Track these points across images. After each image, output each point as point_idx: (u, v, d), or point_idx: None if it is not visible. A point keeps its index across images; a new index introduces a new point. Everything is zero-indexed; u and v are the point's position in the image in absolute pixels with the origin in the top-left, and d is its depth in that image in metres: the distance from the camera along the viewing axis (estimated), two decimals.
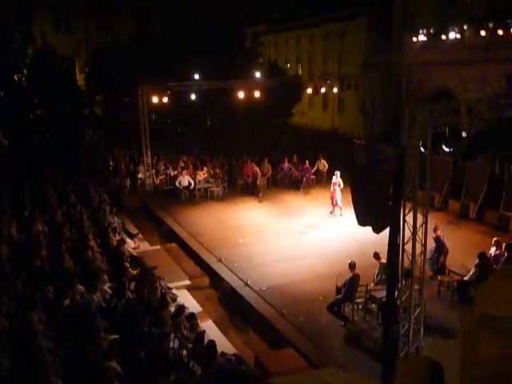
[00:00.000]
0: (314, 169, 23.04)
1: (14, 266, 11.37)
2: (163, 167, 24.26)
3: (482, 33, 23.68)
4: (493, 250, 12.50)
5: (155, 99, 22.61)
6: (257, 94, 24.11)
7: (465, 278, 11.88)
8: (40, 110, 30.42)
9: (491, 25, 23.33)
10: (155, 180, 23.48)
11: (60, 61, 31.37)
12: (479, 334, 1.27)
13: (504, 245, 12.38)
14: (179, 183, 21.43)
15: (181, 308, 10.38)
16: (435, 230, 12.91)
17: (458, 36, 24.96)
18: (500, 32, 23.04)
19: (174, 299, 11.73)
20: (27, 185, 18.91)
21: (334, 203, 18.65)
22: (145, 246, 16.45)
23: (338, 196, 18.51)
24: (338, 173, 18.76)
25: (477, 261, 11.78)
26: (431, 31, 26.22)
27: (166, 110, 27.27)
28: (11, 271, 11.07)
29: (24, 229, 14.17)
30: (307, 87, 35.50)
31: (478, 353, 1.30)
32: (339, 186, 18.46)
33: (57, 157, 23.42)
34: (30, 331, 8.18)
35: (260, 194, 21.40)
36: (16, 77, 30.06)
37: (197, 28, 33.82)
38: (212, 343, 8.83)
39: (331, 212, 18.77)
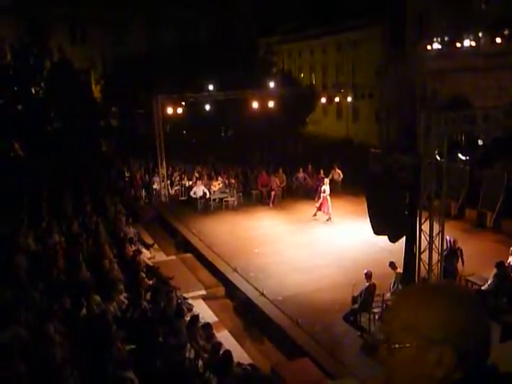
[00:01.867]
0: (329, 178, 22.97)
1: (32, 277, 11.47)
2: (178, 178, 24.38)
3: (498, 40, 23.56)
4: (511, 259, 12.35)
5: (170, 110, 22.76)
6: (271, 103, 24.16)
7: (482, 288, 11.74)
8: (57, 123, 30.79)
9: (506, 32, 23.20)
10: (170, 190, 23.61)
11: (77, 73, 31.78)
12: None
13: None
14: (194, 193, 21.51)
15: (195, 318, 10.39)
16: (454, 243, 12.77)
17: (473, 43, 24.86)
18: None
19: (190, 309, 11.74)
20: (44, 196, 19.12)
21: (324, 210, 19.25)
22: (160, 257, 16.52)
23: (327, 203, 19.13)
24: (327, 180, 19.59)
25: (495, 270, 11.64)
26: (446, 39, 26.14)
27: (181, 121, 27.46)
28: (29, 282, 11.17)
29: (41, 240, 14.30)
30: (321, 97, 35.53)
31: None
32: (324, 192, 19.24)
33: (73, 168, 23.65)
34: (47, 341, 8.23)
35: (271, 204, 21.43)
36: (33, 90, 30.49)
37: (211, 39, 34.08)
38: (228, 353, 8.81)
39: (314, 214, 19.53)
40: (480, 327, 1.20)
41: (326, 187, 19.42)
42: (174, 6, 39.75)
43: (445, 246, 12.51)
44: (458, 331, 1.17)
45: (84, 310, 10.12)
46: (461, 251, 12.76)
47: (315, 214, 19.59)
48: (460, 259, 12.68)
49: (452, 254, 12.59)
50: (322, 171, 22.98)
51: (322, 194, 19.42)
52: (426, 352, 1.18)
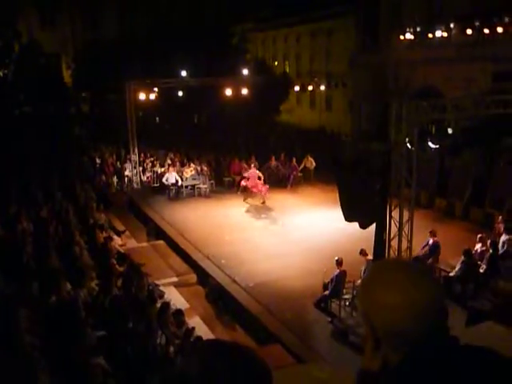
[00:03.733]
0: (301, 166, 23.11)
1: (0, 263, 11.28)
2: (150, 164, 24.17)
3: (469, 31, 23.87)
4: (478, 247, 12.64)
5: (142, 96, 22.49)
6: (244, 91, 24.10)
7: (450, 274, 11.99)
8: (26, 107, 30.16)
9: (477, 23, 23.52)
10: (142, 177, 23.41)
11: (46, 57, 31.13)
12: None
13: (489, 241, 12.53)
14: (166, 180, 21.37)
15: (165, 305, 10.37)
16: (433, 235, 13.01)
17: (445, 34, 25.13)
18: (486, 30, 23.23)
19: (162, 296, 11.71)
20: (13, 182, 18.75)
21: (261, 191, 20.06)
22: (132, 243, 16.41)
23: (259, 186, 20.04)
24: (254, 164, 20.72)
25: (462, 258, 11.90)
26: (418, 29, 26.37)
27: (154, 107, 27.19)
28: None
29: (9, 225, 14.05)
30: (295, 85, 35.54)
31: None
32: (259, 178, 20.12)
33: (43, 154, 23.23)
34: (14, 328, 8.11)
35: (238, 192, 21.48)
36: (2, 73, 29.77)
37: (184, 25, 33.70)
38: (199, 339, 8.83)
39: (263, 202, 20.05)
40: (417, 309, 1.21)
41: (258, 173, 20.31)
42: None
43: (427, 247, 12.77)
44: (386, 313, 1.21)
45: (53, 297, 10.00)
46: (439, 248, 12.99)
47: (263, 202, 20.03)
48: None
49: (432, 253, 12.83)
50: (294, 159, 23.09)
51: (257, 181, 20.11)
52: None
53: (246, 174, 20.53)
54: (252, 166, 20.77)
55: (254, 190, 20.10)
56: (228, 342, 1.24)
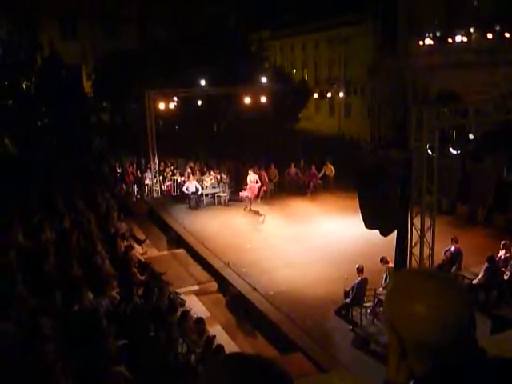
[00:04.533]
0: (321, 174, 23.04)
1: (23, 273, 11.41)
2: (170, 173, 24.32)
3: (489, 36, 23.65)
4: (502, 253, 12.44)
5: (162, 105, 22.67)
6: (263, 99, 24.15)
7: (474, 282, 11.82)
8: (48, 118, 30.59)
9: (498, 27, 23.29)
10: (162, 186, 23.55)
11: (67, 68, 31.55)
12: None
13: None
14: (186, 189, 21.47)
15: (185, 313, 10.39)
16: (455, 242, 12.85)
17: (465, 39, 24.93)
18: (507, 35, 22.99)
19: (182, 304, 11.74)
20: (35, 192, 19.00)
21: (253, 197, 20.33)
22: (153, 252, 16.49)
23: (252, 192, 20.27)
24: (251, 172, 20.59)
25: (486, 264, 11.72)
26: (437, 34, 26.20)
27: (173, 116, 27.37)
28: (20, 278, 11.10)
29: (32, 235, 14.22)
30: (313, 92, 35.50)
31: None
32: (257, 182, 20.37)
33: (64, 164, 23.52)
34: (38, 337, 8.20)
35: (259, 200, 21.49)
36: (24, 85, 30.26)
37: (203, 34, 33.94)
38: (220, 348, 8.82)
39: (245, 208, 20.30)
40: (443, 322, 1.19)
41: (256, 177, 20.40)
42: (165, 0, 39.55)
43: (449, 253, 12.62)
44: (413, 324, 1.20)
45: (76, 306, 10.08)
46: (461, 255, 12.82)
47: (249, 209, 20.34)
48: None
49: (453, 261, 12.66)
50: (313, 167, 23.02)
51: (251, 184, 20.27)
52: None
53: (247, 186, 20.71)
54: (250, 171, 20.82)
55: (252, 197, 20.55)
56: (251, 355, 1.24)
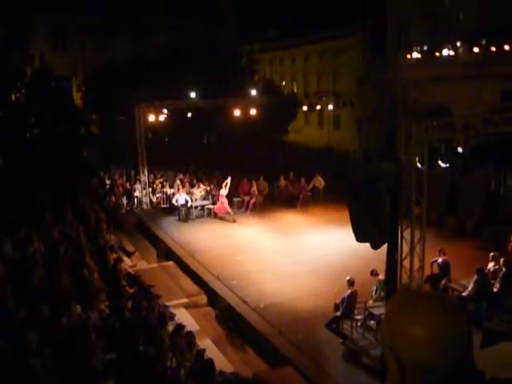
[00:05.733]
0: (311, 186, 23.09)
1: (10, 285, 11.28)
2: (160, 185, 24.26)
3: (476, 49, 23.93)
4: (491, 266, 12.50)
5: (152, 118, 22.66)
6: (253, 111, 24.23)
7: (463, 294, 11.85)
8: (37, 129, 30.45)
9: (484, 41, 23.59)
10: (152, 198, 23.47)
11: (58, 80, 31.49)
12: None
13: (502, 260, 12.38)
14: (176, 201, 21.41)
15: (179, 327, 10.31)
16: (442, 253, 12.88)
17: (452, 53, 25.21)
18: (493, 48, 23.28)
19: (172, 318, 11.65)
20: (23, 203, 18.84)
21: (222, 212, 20.67)
22: (142, 265, 16.39)
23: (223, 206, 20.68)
24: (227, 181, 20.81)
25: (475, 277, 11.76)
26: (425, 48, 26.48)
27: (163, 128, 27.36)
28: (7, 290, 10.97)
29: (20, 247, 14.08)
30: (303, 104, 35.66)
31: None
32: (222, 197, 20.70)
33: (53, 175, 23.37)
34: (26, 351, 8.09)
35: (248, 212, 21.57)
36: (14, 96, 30.14)
37: (192, 46, 34.07)
38: (210, 362, 8.75)
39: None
40: (440, 343, 1.19)
41: (223, 191, 20.67)
42: (157, 13, 39.68)
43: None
44: (410, 345, 1.19)
45: (64, 319, 9.97)
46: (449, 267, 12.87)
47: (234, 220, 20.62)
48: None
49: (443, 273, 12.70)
50: (303, 179, 23.08)
51: (220, 199, 20.71)
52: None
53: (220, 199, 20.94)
54: (223, 185, 20.97)
55: (221, 213, 20.85)
56: (248, 378, 1.23)
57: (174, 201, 21.59)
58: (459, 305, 1.32)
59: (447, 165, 10.77)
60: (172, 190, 23.10)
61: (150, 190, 23.60)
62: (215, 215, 21.22)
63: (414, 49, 26.76)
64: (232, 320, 12.58)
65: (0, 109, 29.14)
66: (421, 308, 1.22)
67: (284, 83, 43.72)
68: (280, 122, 32.44)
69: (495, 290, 11.84)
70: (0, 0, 30.12)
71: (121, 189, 24.00)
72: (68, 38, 40.41)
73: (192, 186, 23.25)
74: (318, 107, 36.24)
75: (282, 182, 23.43)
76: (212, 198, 22.34)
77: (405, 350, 1.20)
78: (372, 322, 11.31)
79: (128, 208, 22.95)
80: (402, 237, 8.54)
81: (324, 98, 37.37)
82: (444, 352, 1.17)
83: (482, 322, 10.28)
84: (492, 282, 12.03)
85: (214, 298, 13.82)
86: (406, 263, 8.60)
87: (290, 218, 20.85)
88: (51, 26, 38.84)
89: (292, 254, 16.42)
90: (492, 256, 12.67)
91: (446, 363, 1.17)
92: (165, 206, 22.90)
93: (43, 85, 29.39)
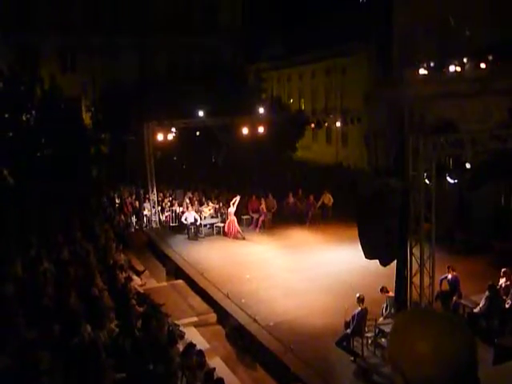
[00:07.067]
0: (320, 203, 23.07)
1: (20, 305, 11.33)
2: (169, 204, 24.34)
3: (482, 65, 23.98)
4: (502, 281, 12.39)
5: (160, 137, 22.83)
6: (261, 129, 24.35)
7: (475, 311, 11.76)
8: (47, 150, 30.72)
9: (490, 57, 23.64)
10: (161, 217, 23.54)
11: (67, 101, 31.84)
12: None
13: None
14: (185, 219, 21.47)
15: (189, 346, 10.28)
16: (452, 270, 12.81)
17: (458, 69, 25.27)
18: (500, 64, 23.32)
19: (182, 336, 11.63)
20: (34, 223, 18.97)
21: (231, 233, 20.58)
22: (151, 283, 16.40)
23: (233, 225, 20.60)
24: (236, 198, 20.84)
25: (487, 293, 11.67)
26: (431, 65, 26.57)
27: (172, 146, 27.54)
28: (17, 310, 11.02)
29: (30, 267, 14.16)
30: (311, 122, 35.79)
31: None
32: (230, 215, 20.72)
33: (63, 195, 23.54)
34: (36, 370, 8.10)
35: (257, 230, 21.63)
36: (24, 117, 30.48)
37: (200, 65, 34.39)
38: (221, 381, 8.72)
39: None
40: (441, 360, 1.21)
41: (231, 209, 20.63)
42: (164, 33, 40.14)
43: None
44: (413, 363, 1.22)
45: (74, 339, 9.98)
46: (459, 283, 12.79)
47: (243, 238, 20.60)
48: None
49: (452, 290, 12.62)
50: (312, 197, 23.07)
51: (229, 217, 20.72)
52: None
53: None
54: (232, 203, 21.01)
55: (232, 233, 20.78)
56: None
57: (183, 219, 21.66)
58: (465, 321, 1.34)
59: (455, 180, 10.76)
60: (181, 209, 23.17)
61: (159, 208, 23.68)
62: (225, 234, 21.19)
63: (421, 65, 26.85)
64: (242, 338, 12.52)
65: (11, 129, 29.46)
66: (425, 325, 1.25)
67: (292, 100, 43.96)
68: (288, 140, 32.55)
69: (507, 306, 11.74)
70: (10, 23, 30.61)
71: (130, 208, 24.09)
72: (77, 59, 40.91)
73: (201, 205, 23.32)
74: (326, 124, 36.34)
75: (291, 199, 23.45)
76: (221, 216, 22.39)
77: (410, 366, 1.22)
78: (383, 339, 11.23)
79: (137, 227, 23.02)
80: (411, 253, 8.51)
81: (331, 115, 37.50)
82: (449, 368, 1.19)
83: (494, 338, 10.18)
84: (504, 298, 11.93)
85: (223, 317, 13.78)
86: (416, 280, 8.56)
87: (299, 236, 20.82)
88: (60, 47, 39.37)
89: (301, 271, 16.38)
90: (503, 272, 12.57)
91: (451, 380, 1.19)
92: (174, 224, 22.95)
93: (53, 106, 29.73)
